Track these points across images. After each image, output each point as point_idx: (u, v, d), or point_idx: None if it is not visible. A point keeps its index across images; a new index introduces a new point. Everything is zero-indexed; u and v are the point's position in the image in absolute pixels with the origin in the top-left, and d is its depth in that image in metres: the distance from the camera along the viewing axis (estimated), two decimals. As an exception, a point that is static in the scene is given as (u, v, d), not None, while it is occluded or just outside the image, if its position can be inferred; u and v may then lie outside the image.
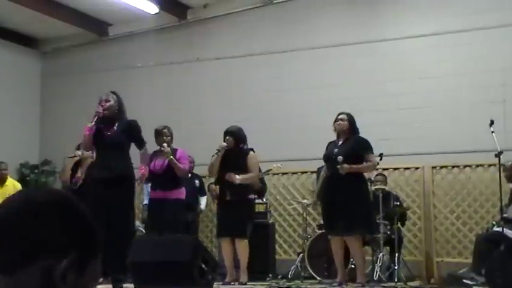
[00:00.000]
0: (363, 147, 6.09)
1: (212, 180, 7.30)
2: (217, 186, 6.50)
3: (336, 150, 6.07)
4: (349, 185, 5.91)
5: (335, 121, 6.23)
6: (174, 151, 6.54)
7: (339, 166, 5.83)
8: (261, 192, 7.48)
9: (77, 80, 10.04)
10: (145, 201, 7.85)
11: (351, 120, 6.22)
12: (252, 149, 6.44)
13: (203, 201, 8.19)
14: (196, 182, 8.04)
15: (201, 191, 8.13)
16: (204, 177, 8.24)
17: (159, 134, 6.57)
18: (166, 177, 6.41)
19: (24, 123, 10.22)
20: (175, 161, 6.41)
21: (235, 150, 6.24)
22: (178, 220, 6.48)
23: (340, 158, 5.84)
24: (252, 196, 6.37)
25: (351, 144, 6.09)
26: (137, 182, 5.82)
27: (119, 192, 5.44)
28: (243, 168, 6.22)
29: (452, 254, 7.63)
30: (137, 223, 7.68)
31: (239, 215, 6.08)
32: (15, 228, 0.96)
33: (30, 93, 10.41)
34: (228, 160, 6.20)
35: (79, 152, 6.69)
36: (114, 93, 5.80)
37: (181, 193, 6.59)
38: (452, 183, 7.76)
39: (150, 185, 7.42)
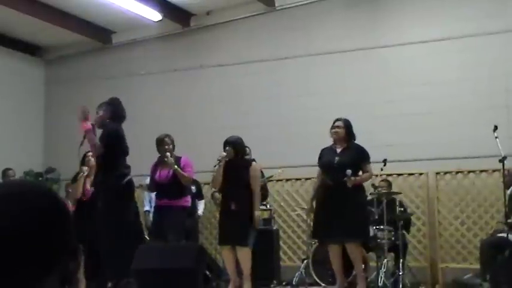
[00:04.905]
0: (361, 156, 6.08)
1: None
2: (221, 194, 6.47)
3: (336, 158, 6.04)
4: (352, 194, 5.89)
5: (332, 128, 6.22)
6: (177, 159, 6.49)
7: (346, 178, 5.81)
8: (263, 198, 7.45)
9: (81, 88, 10.07)
10: (146, 208, 7.86)
11: (347, 126, 6.18)
12: (253, 160, 6.36)
13: (201, 206, 8.19)
14: (193, 187, 8.04)
15: (199, 196, 8.13)
16: (202, 183, 8.25)
17: (161, 143, 6.48)
18: (172, 186, 6.35)
19: (29, 131, 10.25)
20: (179, 170, 6.35)
21: (235, 161, 6.19)
22: (182, 227, 6.48)
23: (349, 171, 5.81)
24: None
25: (351, 154, 6.06)
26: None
27: (102, 206, 5.61)
28: (246, 180, 6.16)
29: (457, 259, 7.61)
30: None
31: (241, 224, 6.04)
32: (30, 240, 0.91)
33: (34, 101, 10.45)
34: (229, 172, 6.15)
35: (84, 168, 6.67)
36: (106, 103, 5.80)
37: (187, 201, 6.58)
38: (456, 188, 7.75)
39: (151, 193, 7.43)
